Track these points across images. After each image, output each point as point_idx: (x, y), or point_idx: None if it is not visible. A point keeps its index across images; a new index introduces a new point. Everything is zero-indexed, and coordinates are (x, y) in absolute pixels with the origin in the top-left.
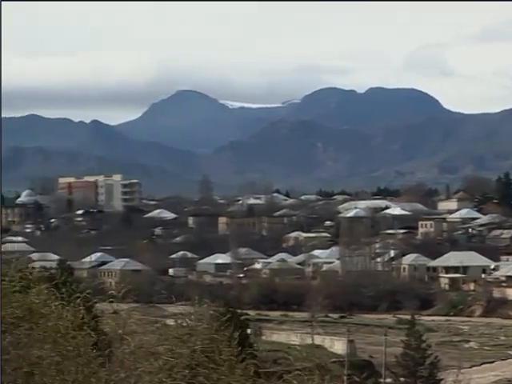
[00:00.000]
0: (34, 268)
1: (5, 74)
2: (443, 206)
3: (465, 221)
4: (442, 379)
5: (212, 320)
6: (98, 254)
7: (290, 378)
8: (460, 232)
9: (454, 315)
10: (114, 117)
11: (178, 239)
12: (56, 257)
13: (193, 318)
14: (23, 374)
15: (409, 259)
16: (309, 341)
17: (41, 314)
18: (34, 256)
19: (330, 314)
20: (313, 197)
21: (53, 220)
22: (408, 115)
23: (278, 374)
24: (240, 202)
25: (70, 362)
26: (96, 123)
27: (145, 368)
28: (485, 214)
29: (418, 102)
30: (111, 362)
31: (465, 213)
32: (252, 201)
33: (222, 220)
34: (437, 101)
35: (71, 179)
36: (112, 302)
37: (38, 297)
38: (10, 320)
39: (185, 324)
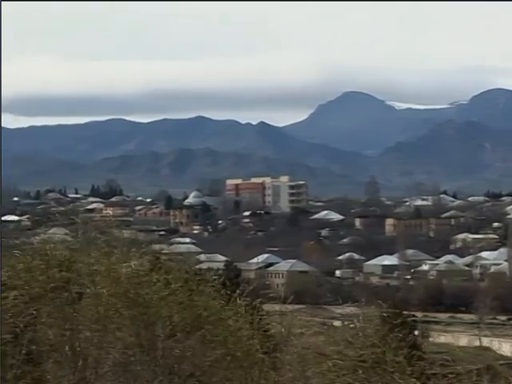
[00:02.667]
0: (201, 269)
1: (170, 77)
2: None
3: None
4: None
5: (380, 322)
6: (266, 255)
7: (459, 379)
8: None
9: None
10: (281, 118)
11: (344, 240)
12: (223, 258)
13: (361, 320)
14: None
15: None
16: (476, 343)
17: (210, 316)
18: (202, 257)
19: (498, 316)
20: (481, 198)
21: (220, 221)
22: None
23: (446, 376)
24: (407, 203)
25: (238, 364)
26: (263, 125)
27: (313, 369)
28: None
29: None
30: (279, 363)
31: None
32: (419, 202)
33: (389, 221)
34: None
35: (238, 181)
36: (280, 303)
37: (207, 299)
38: (182, 326)
39: (352, 326)
